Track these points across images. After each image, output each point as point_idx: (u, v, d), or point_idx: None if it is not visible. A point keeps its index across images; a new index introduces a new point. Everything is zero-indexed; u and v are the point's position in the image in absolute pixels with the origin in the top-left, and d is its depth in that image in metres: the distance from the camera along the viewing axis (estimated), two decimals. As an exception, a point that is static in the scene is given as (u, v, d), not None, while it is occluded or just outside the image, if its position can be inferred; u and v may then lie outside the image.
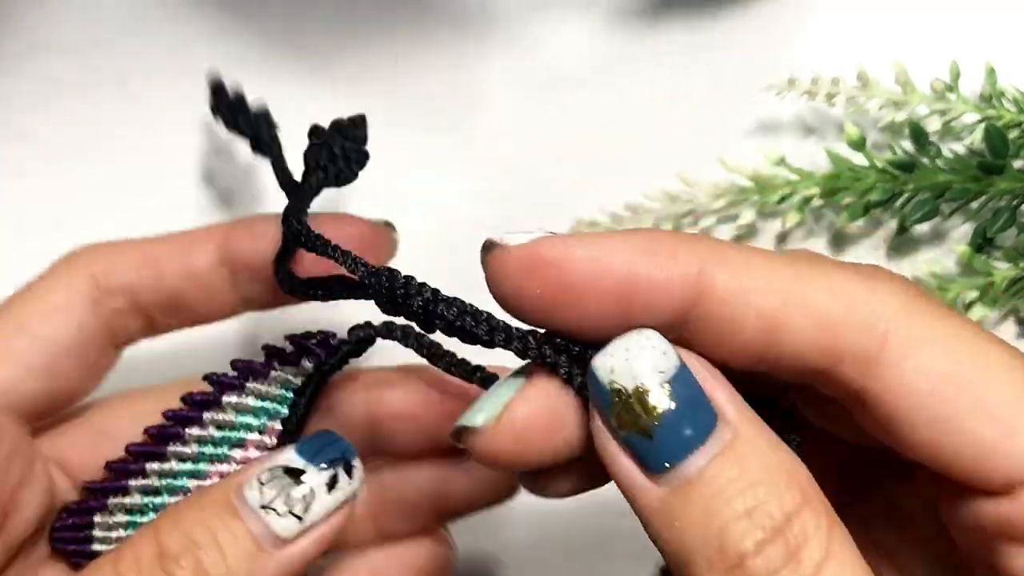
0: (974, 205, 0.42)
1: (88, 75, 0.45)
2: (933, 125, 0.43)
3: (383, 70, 0.46)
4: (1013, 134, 0.42)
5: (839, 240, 0.43)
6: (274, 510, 0.28)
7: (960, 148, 0.43)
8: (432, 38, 0.46)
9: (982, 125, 0.42)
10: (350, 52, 0.46)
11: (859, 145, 0.42)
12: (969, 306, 0.41)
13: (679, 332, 0.24)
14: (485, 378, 0.29)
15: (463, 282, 0.41)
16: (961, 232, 0.43)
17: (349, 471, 0.30)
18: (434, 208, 0.44)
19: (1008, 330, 0.42)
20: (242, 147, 0.43)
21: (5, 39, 0.46)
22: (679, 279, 0.24)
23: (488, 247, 0.26)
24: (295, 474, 0.29)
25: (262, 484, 0.29)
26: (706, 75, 0.44)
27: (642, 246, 0.24)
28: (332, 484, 0.29)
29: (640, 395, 0.23)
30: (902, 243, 0.43)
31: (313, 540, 0.29)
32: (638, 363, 0.23)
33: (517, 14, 0.46)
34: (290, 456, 0.29)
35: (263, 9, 0.46)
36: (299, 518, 0.29)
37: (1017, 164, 0.42)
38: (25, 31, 0.46)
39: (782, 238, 0.43)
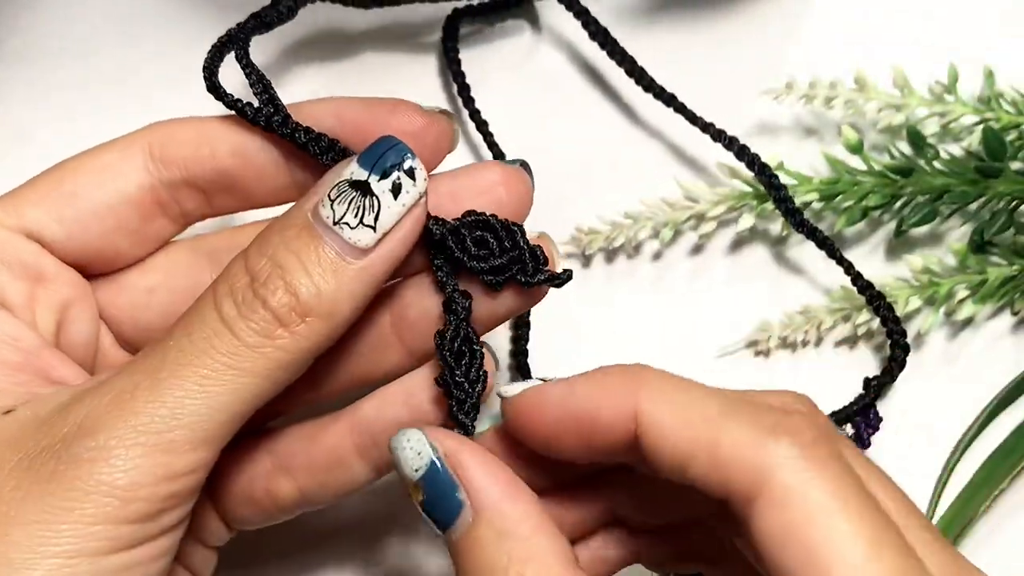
0: (972, 207, 0.42)
1: (87, 75, 0.45)
2: (931, 127, 0.43)
3: (382, 73, 0.46)
4: (1011, 136, 0.42)
5: (838, 242, 0.43)
6: (347, 224, 0.30)
7: (959, 150, 0.43)
8: (430, 41, 0.46)
9: (980, 127, 0.42)
10: (348, 54, 0.46)
11: (857, 149, 0.42)
12: (960, 302, 0.41)
13: (639, 450, 0.28)
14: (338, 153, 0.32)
15: None
16: (959, 234, 0.43)
17: (412, 174, 0.31)
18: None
19: (1003, 323, 0.42)
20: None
21: (4, 39, 0.46)
22: (621, 418, 0.29)
23: (499, 396, 0.31)
24: (360, 186, 0.30)
25: (332, 201, 0.30)
26: (704, 78, 0.44)
27: (592, 389, 0.30)
28: (396, 191, 0.30)
29: (409, 485, 0.30)
30: (900, 244, 0.43)
31: (390, 246, 0.31)
32: (399, 463, 0.30)
33: (516, 16, 0.46)
34: (353, 168, 0.31)
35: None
36: (372, 228, 0.30)
37: (1015, 166, 0.42)
38: (24, 31, 0.46)
39: (781, 241, 0.43)
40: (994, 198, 0.41)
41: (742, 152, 0.41)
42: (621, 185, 0.43)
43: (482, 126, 0.44)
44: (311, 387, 0.33)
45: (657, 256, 0.43)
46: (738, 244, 0.43)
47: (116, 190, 0.33)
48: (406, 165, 0.31)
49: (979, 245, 0.42)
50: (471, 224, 0.32)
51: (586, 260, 0.43)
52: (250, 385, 0.30)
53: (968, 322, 0.42)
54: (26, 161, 0.45)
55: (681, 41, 0.45)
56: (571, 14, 0.43)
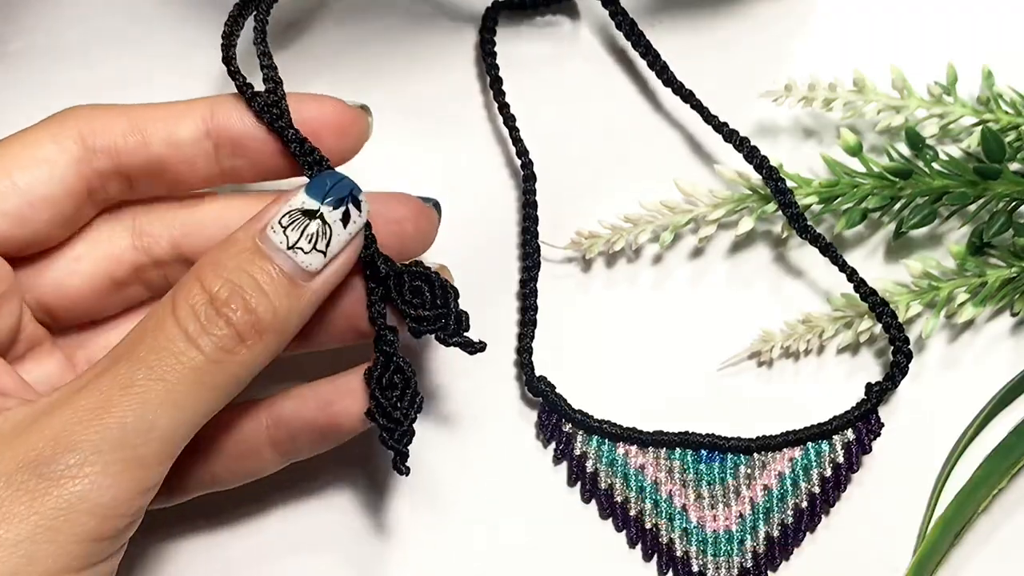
0: (971, 208, 0.42)
1: (89, 77, 0.45)
2: (930, 129, 0.43)
3: (382, 76, 0.46)
4: (1010, 137, 0.42)
5: (837, 244, 0.43)
6: (301, 249, 0.33)
7: (957, 151, 0.43)
8: (431, 41, 0.46)
9: (979, 128, 0.42)
10: (350, 55, 0.46)
11: (856, 151, 0.42)
12: (961, 306, 0.41)
13: None
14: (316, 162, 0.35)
15: (468, 265, 0.42)
16: (958, 235, 0.43)
17: (358, 205, 0.34)
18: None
19: (1003, 324, 0.43)
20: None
21: (5, 40, 0.46)
22: None
23: None
24: (312, 214, 0.33)
25: (284, 227, 0.33)
26: (703, 80, 0.44)
27: None
28: (346, 220, 0.33)
29: None
30: (900, 247, 0.43)
31: (335, 269, 0.33)
32: None
33: (514, 18, 0.46)
34: (303, 198, 0.33)
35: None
36: (323, 253, 0.33)
37: (1014, 167, 0.42)
38: (25, 32, 0.46)
39: (781, 243, 0.43)
40: (993, 199, 0.42)
41: (752, 154, 0.41)
42: (620, 184, 0.43)
43: (509, 120, 0.44)
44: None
45: (657, 259, 0.43)
46: (738, 247, 0.43)
47: (53, 182, 0.34)
48: (354, 197, 0.34)
49: (978, 247, 0.42)
50: (414, 273, 0.35)
51: (586, 264, 0.43)
52: (210, 399, 0.32)
53: (968, 324, 0.42)
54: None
55: (680, 43, 0.45)
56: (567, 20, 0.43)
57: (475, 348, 0.35)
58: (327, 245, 0.33)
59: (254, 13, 0.37)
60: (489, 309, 0.42)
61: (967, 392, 0.42)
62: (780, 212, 0.41)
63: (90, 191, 0.35)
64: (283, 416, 0.36)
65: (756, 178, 0.42)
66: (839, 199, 0.42)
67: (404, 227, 0.37)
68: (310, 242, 0.33)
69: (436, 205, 0.38)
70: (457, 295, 0.35)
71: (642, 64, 0.44)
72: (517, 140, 0.43)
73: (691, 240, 0.43)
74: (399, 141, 0.44)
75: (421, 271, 0.35)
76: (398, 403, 0.35)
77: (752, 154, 0.41)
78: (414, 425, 0.35)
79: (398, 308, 0.35)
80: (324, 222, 0.33)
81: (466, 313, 0.35)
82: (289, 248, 0.32)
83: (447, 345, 0.35)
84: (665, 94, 0.45)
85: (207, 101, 0.36)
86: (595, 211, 0.43)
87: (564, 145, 0.44)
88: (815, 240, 0.41)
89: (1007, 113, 0.42)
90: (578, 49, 0.46)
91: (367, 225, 0.35)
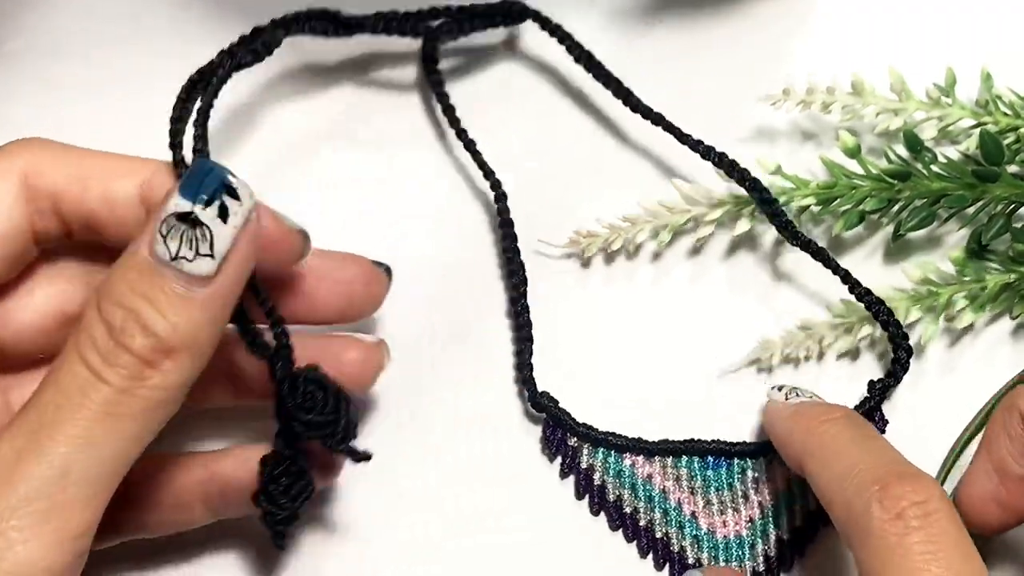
0: (970, 210, 0.42)
1: (89, 75, 0.45)
2: (929, 131, 0.43)
3: (381, 73, 0.46)
4: (1008, 139, 0.42)
5: (836, 246, 0.43)
6: (185, 258, 0.30)
7: (956, 153, 0.43)
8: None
9: (978, 130, 0.42)
10: (348, 55, 0.46)
11: (854, 153, 0.42)
12: (960, 311, 0.41)
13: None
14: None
15: (456, 286, 0.42)
16: (957, 237, 0.43)
17: (235, 194, 0.31)
18: (427, 217, 0.44)
19: (1002, 328, 0.43)
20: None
21: (5, 39, 0.46)
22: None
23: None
24: (187, 218, 0.30)
25: (164, 237, 0.30)
26: (701, 82, 0.44)
27: (781, 440, 0.38)
28: (224, 214, 0.31)
29: None
30: (898, 248, 0.43)
31: (233, 267, 0.31)
32: None
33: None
34: (176, 201, 0.31)
35: (263, 10, 0.46)
36: (210, 255, 0.30)
37: (1012, 169, 0.42)
38: (25, 31, 0.46)
39: (780, 243, 0.43)
40: (991, 202, 0.42)
41: (732, 168, 0.41)
42: (619, 188, 0.43)
43: (470, 145, 0.43)
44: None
45: (656, 259, 0.43)
46: (736, 247, 0.43)
47: (2, 226, 0.33)
48: (227, 186, 0.31)
49: (976, 251, 0.42)
50: (309, 379, 0.34)
51: (585, 263, 0.43)
52: (131, 429, 0.30)
53: (968, 328, 0.42)
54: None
55: (678, 45, 0.46)
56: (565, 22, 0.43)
57: (360, 458, 0.35)
58: (211, 247, 0.31)
59: (200, 96, 0.36)
60: (483, 324, 0.42)
61: (966, 395, 0.42)
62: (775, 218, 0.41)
63: (35, 231, 0.34)
64: (218, 474, 0.35)
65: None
66: (837, 201, 0.42)
67: (354, 288, 0.37)
68: (192, 248, 0.30)
69: (387, 270, 0.38)
70: (349, 404, 0.35)
71: (637, 64, 0.44)
72: (481, 164, 0.43)
73: (689, 240, 0.43)
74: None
75: (317, 378, 0.34)
76: (286, 494, 0.34)
77: (732, 168, 0.41)
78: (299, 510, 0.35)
79: (289, 411, 0.34)
80: (200, 224, 0.30)
81: (355, 423, 0.35)
82: (173, 259, 0.30)
83: (333, 452, 0.35)
84: (661, 96, 0.45)
85: (151, 165, 0.34)
86: (593, 211, 0.43)
87: (559, 146, 0.44)
88: (806, 246, 0.41)
89: (1006, 115, 0.43)
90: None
91: (284, 337, 0.34)
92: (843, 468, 0.34)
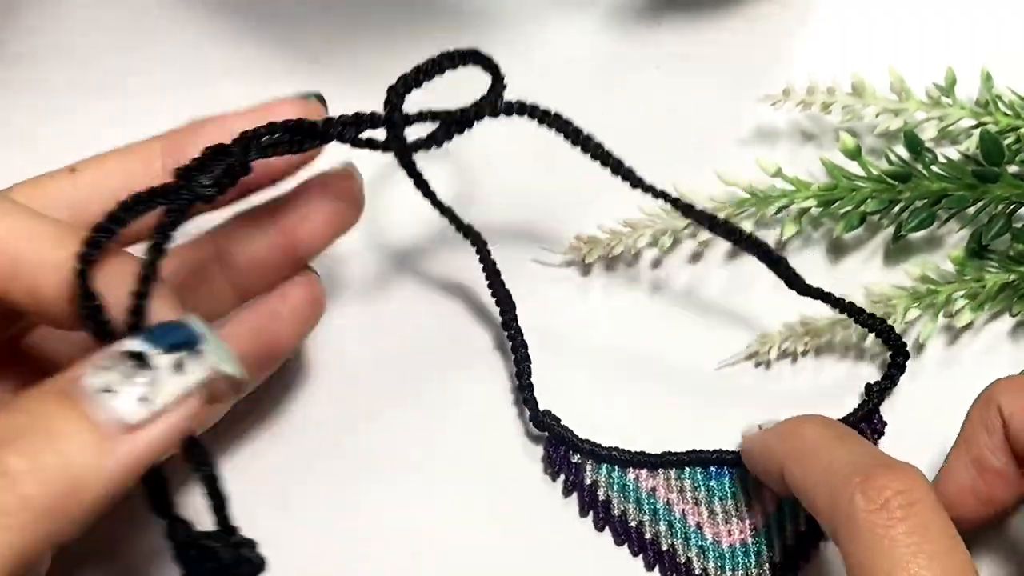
0: (970, 211, 0.42)
1: (88, 78, 0.45)
2: (929, 131, 0.43)
3: (381, 74, 0.46)
4: (1009, 139, 0.42)
5: (837, 247, 0.43)
6: (114, 392, 0.27)
7: (956, 154, 0.43)
8: (430, 42, 0.46)
9: (978, 130, 0.42)
10: (348, 55, 0.46)
11: (854, 154, 0.42)
12: (959, 311, 0.41)
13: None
14: None
15: (454, 287, 0.42)
16: (958, 238, 0.43)
17: (198, 355, 0.28)
18: (424, 221, 0.43)
19: (1001, 327, 0.43)
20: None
21: (5, 41, 0.46)
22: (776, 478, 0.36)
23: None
24: (136, 358, 0.27)
25: (102, 370, 0.27)
26: (701, 83, 0.44)
27: (760, 455, 0.38)
28: (179, 367, 0.27)
29: None
30: (899, 250, 0.43)
31: (165, 426, 0.27)
32: None
33: (512, 21, 0.46)
34: (131, 342, 0.27)
35: (263, 11, 0.46)
36: (146, 400, 0.27)
37: (1012, 169, 0.42)
38: (25, 33, 0.46)
39: (780, 247, 0.43)
40: (992, 202, 0.42)
41: (676, 202, 0.38)
42: (620, 193, 0.43)
43: (437, 206, 0.40)
44: None
45: (656, 264, 0.43)
46: (737, 250, 0.43)
47: None
48: (191, 346, 0.28)
49: (976, 251, 0.42)
50: (212, 538, 0.30)
51: (586, 268, 0.43)
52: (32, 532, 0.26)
53: (967, 327, 0.42)
54: (28, 164, 0.45)
55: (679, 45, 0.45)
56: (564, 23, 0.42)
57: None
58: (150, 393, 0.27)
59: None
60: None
61: (966, 394, 0.42)
62: (781, 216, 0.41)
63: None
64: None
65: (755, 182, 0.42)
66: (838, 202, 0.42)
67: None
68: (129, 386, 0.27)
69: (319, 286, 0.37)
70: (251, 545, 0.30)
71: (636, 65, 0.44)
72: (453, 218, 0.40)
73: (690, 244, 0.43)
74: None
75: (221, 539, 0.30)
76: None
77: (676, 202, 0.38)
78: None
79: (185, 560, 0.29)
80: (148, 365, 0.27)
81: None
82: (104, 392, 0.26)
83: None
84: (661, 97, 0.45)
85: (77, 258, 0.29)
86: (594, 216, 0.43)
87: (559, 150, 0.44)
88: (773, 265, 0.39)
89: (1006, 115, 0.43)
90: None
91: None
92: (823, 464, 0.34)
